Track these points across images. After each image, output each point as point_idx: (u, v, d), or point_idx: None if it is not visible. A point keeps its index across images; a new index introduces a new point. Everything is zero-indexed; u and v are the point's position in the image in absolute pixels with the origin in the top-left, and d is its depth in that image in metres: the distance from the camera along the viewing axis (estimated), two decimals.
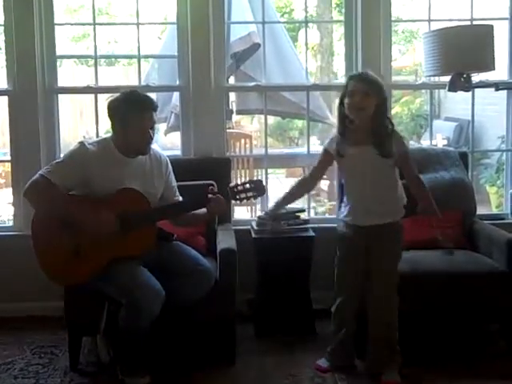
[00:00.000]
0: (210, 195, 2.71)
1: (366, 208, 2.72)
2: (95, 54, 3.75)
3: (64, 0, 9.48)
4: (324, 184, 6.77)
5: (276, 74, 4.75)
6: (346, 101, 2.66)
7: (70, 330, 2.86)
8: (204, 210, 2.76)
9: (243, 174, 5.34)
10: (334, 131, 2.83)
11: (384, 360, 2.71)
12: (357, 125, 2.68)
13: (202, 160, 3.55)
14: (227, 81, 4.06)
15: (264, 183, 2.83)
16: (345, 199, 2.84)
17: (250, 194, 2.74)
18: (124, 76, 8.88)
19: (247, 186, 2.75)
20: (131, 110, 2.69)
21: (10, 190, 3.75)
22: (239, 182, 2.81)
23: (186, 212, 2.83)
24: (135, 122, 2.68)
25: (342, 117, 2.71)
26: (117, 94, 2.78)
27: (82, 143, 2.75)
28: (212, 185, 3.06)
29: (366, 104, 2.63)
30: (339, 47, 9.21)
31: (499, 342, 3.04)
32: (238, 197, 2.74)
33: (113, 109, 2.73)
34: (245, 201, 2.79)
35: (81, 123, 9.00)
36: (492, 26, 3.19)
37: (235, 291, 2.88)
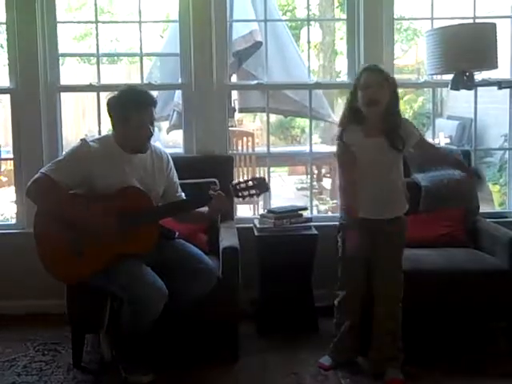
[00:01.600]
0: (211, 192, 2.70)
1: (376, 200, 2.68)
2: (97, 52, 3.75)
3: None
4: (326, 182, 6.79)
5: (278, 73, 4.75)
6: (360, 94, 2.61)
7: (72, 328, 2.86)
8: (207, 207, 2.75)
9: (245, 172, 5.34)
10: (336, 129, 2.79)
11: (387, 358, 2.70)
12: (369, 118, 2.64)
13: (205, 158, 3.54)
14: (229, 79, 4.05)
15: (267, 180, 2.81)
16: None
17: (252, 191, 2.72)
18: (126, 74, 8.89)
19: (250, 183, 2.73)
20: (130, 106, 2.68)
21: (13, 188, 3.76)
22: (242, 180, 2.79)
23: (188, 210, 2.82)
24: (134, 118, 2.68)
25: (354, 111, 2.66)
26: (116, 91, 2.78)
27: (83, 140, 2.75)
28: (214, 183, 3.07)
29: (380, 96, 2.59)
30: (342, 45, 9.21)
31: (501, 340, 3.03)
32: (240, 194, 2.72)
33: (112, 105, 2.73)
34: (248, 198, 2.77)
35: (83, 121, 9.02)
36: (495, 24, 3.19)
37: (238, 289, 2.88)
